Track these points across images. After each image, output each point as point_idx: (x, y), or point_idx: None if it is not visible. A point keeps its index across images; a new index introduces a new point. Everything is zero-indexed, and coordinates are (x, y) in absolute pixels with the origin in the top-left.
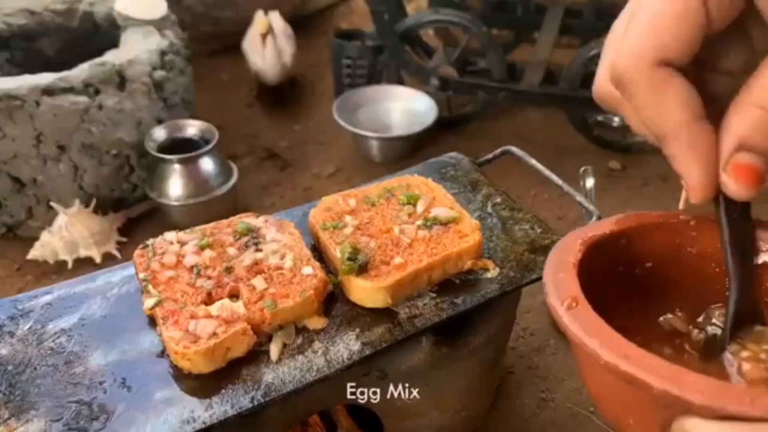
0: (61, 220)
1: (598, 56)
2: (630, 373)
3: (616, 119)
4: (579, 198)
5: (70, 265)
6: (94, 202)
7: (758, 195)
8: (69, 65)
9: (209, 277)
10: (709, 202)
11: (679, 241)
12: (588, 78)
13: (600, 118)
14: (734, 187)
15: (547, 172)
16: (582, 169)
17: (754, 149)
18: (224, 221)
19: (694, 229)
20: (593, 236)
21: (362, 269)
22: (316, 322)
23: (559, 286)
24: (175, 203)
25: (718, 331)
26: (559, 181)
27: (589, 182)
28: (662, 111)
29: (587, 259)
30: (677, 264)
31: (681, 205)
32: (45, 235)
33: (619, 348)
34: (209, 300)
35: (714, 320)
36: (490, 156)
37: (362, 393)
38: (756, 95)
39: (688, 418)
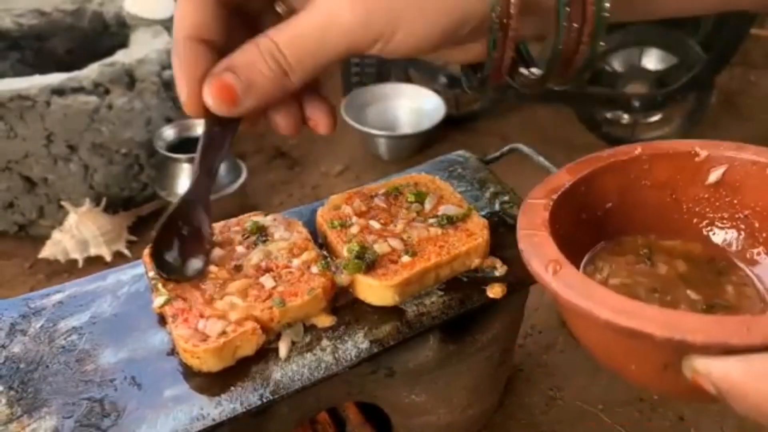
0: (72, 219)
1: (606, 53)
2: (630, 327)
3: (626, 116)
4: None
5: (80, 263)
6: (104, 201)
7: (234, 113)
8: (79, 65)
9: (218, 276)
10: (199, 116)
11: (633, 176)
12: (597, 75)
13: (609, 115)
14: (208, 98)
15: (556, 170)
16: None
17: (235, 71)
18: (233, 220)
19: (646, 162)
20: (554, 189)
21: (370, 268)
22: (324, 321)
23: (538, 251)
24: None
25: None
26: None
27: None
28: (175, 24)
29: (553, 215)
30: (635, 199)
31: None
32: (56, 234)
33: (613, 304)
34: (218, 298)
35: None
36: (497, 154)
37: (370, 390)
38: (259, 38)
39: (696, 357)
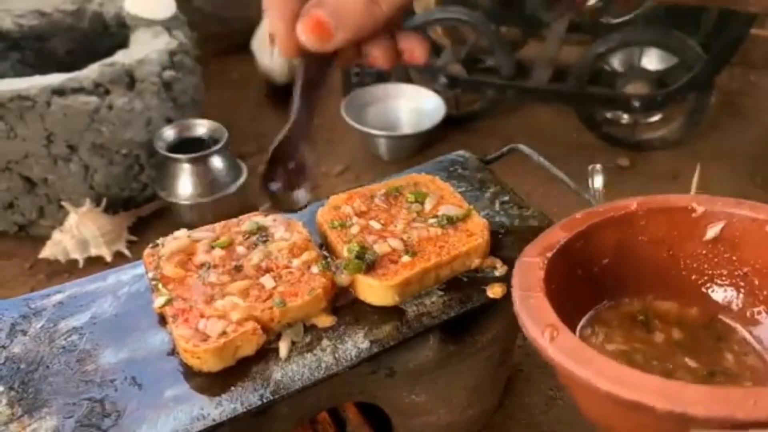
0: (72, 219)
1: (606, 53)
2: (631, 399)
3: (626, 116)
4: (587, 196)
5: (81, 264)
6: (104, 202)
7: (328, 48)
8: (79, 65)
9: (218, 276)
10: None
11: (629, 232)
12: (597, 75)
13: (609, 115)
14: (302, 34)
15: (555, 170)
16: (590, 166)
17: (326, 5)
18: (233, 220)
19: (642, 218)
20: (548, 247)
21: (370, 268)
22: (324, 321)
23: (533, 314)
24: (185, 202)
25: None
26: (567, 179)
27: (598, 180)
28: None
29: (549, 273)
30: (631, 255)
31: (693, 191)
32: (56, 234)
33: (613, 374)
34: (219, 298)
35: None
36: (497, 154)
37: (370, 390)
38: None
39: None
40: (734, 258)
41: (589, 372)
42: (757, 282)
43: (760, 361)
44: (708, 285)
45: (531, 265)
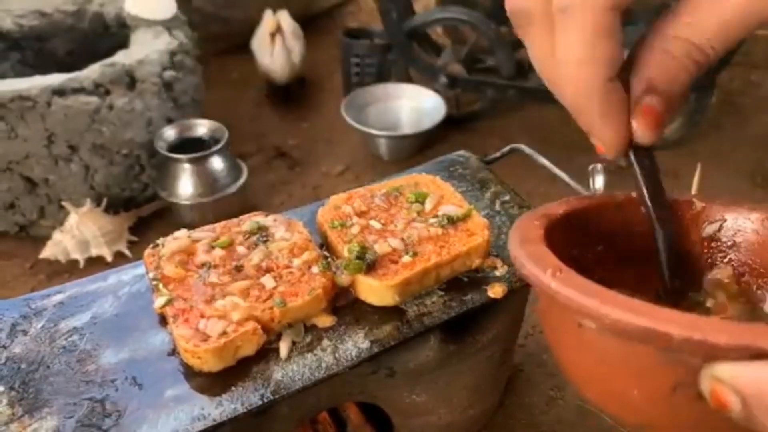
0: (73, 219)
1: None
2: (644, 326)
3: None
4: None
5: (81, 264)
6: (105, 202)
7: (660, 134)
8: (79, 66)
9: (219, 276)
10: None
11: (626, 220)
12: None
13: None
14: (642, 132)
15: (556, 170)
16: (591, 166)
17: (656, 91)
18: (234, 220)
19: (639, 207)
20: (546, 216)
21: (370, 268)
22: (325, 321)
23: (534, 257)
24: (186, 202)
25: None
26: (568, 179)
27: (599, 180)
28: (590, 66)
29: (547, 237)
30: (625, 246)
31: (694, 190)
32: (57, 235)
33: (623, 303)
34: (219, 298)
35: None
36: (498, 154)
37: (371, 390)
38: (665, 42)
39: (718, 364)
40: (731, 258)
41: (596, 300)
42: (753, 284)
43: None
44: (702, 288)
45: (529, 226)
